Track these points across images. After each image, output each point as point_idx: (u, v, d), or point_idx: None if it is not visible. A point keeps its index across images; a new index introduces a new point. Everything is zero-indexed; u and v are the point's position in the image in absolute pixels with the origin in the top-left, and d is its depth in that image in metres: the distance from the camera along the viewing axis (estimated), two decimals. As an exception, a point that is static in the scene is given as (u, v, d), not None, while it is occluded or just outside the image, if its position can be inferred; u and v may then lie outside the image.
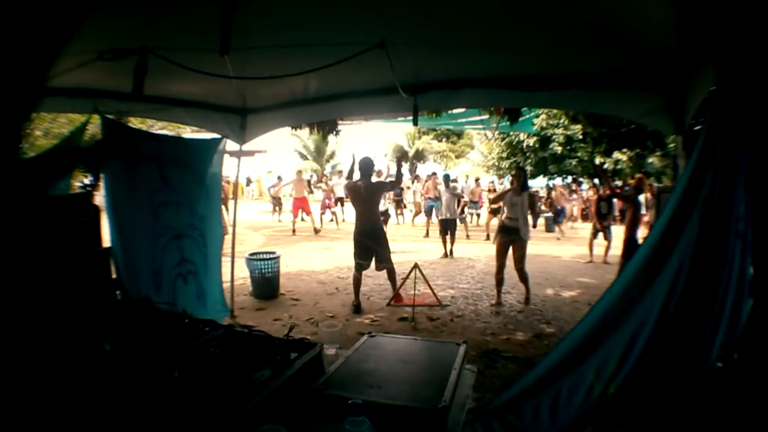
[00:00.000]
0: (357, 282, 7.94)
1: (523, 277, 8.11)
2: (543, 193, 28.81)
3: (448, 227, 13.17)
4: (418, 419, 1.88)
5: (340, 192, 20.93)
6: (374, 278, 9.74)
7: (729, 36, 2.58)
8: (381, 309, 7.80)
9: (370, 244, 7.74)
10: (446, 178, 14.28)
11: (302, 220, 19.05)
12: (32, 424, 1.67)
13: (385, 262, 7.90)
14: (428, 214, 18.16)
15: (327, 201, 20.91)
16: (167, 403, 1.82)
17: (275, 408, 1.89)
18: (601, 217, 12.16)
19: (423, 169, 37.36)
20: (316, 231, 17.37)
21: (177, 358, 2.10)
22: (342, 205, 21.85)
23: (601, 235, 12.28)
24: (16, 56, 1.70)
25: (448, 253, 13.11)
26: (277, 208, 22.74)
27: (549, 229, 19.97)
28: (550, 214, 21.45)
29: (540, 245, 14.60)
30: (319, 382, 2.09)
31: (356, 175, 8.27)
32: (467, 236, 16.76)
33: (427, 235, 17.16)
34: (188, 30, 3.55)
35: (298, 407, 1.99)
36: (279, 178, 24.31)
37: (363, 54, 3.64)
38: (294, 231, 17.21)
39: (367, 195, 7.66)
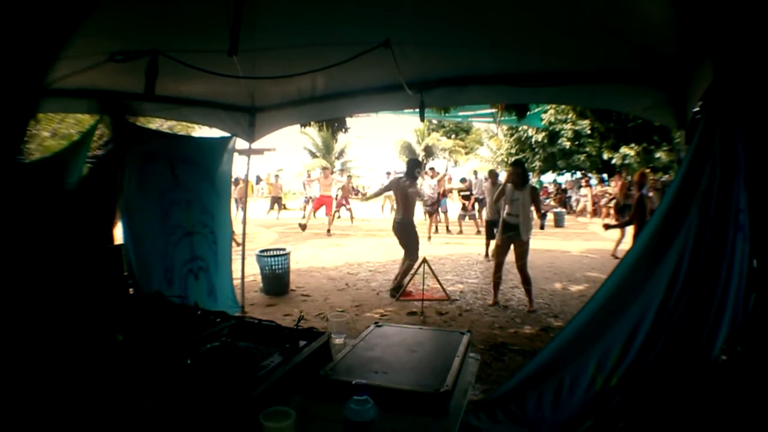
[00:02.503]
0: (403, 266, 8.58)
1: (525, 278, 7.63)
2: (552, 189, 28.82)
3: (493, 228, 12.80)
4: (420, 403, 1.96)
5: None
6: (383, 274, 9.85)
7: (726, 32, 2.62)
8: (390, 304, 7.86)
9: (397, 235, 8.39)
10: (493, 174, 13.30)
11: (314, 216, 18.97)
12: (50, 411, 1.75)
13: (406, 254, 8.35)
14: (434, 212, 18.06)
15: (343, 200, 20.84)
16: (181, 388, 1.91)
17: (284, 392, 1.97)
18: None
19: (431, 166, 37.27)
20: (329, 231, 17.13)
21: (189, 347, 2.19)
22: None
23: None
24: (15, 58, 1.77)
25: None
26: (276, 206, 22.81)
27: (558, 224, 19.93)
28: (559, 210, 21.42)
29: (549, 240, 14.64)
30: (326, 369, 2.18)
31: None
32: (477, 231, 16.79)
33: (436, 231, 17.14)
34: (197, 31, 3.62)
35: (307, 392, 2.08)
36: (276, 176, 24.42)
37: (369, 53, 3.71)
38: (305, 226, 16.95)
39: (403, 192, 8.28)
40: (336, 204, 20.36)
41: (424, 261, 7.98)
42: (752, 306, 2.66)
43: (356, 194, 24.11)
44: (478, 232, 16.73)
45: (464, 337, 2.68)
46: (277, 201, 23.00)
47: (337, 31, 3.80)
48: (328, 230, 16.90)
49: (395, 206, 8.69)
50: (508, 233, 7.55)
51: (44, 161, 5.77)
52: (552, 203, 24.74)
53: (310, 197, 21.15)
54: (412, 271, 8.23)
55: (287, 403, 1.80)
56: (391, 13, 3.44)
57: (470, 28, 3.70)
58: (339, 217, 20.48)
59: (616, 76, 4.32)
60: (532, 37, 3.85)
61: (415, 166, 8.62)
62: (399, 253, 8.54)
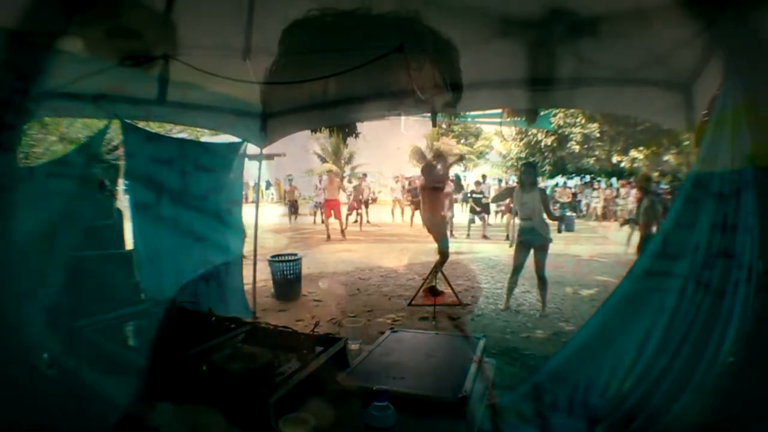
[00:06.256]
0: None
1: (542, 281, 7.54)
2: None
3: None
4: (439, 409, 1.96)
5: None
6: (395, 279, 9.84)
7: (735, 29, 2.61)
8: (402, 309, 7.84)
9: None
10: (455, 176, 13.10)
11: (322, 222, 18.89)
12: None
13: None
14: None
15: (354, 203, 20.81)
16: (198, 395, 1.90)
17: (303, 398, 1.96)
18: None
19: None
20: (343, 233, 17.05)
21: (205, 354, 2.18)
22: (366, 207, 21.90)
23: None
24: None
25: None
26: (293, 211, 22.64)
27: (568, 228, 19.76)
28: (569, 213, 21.31)
29: (559, 244, 14.56)
30: (344, 374, 2.17)
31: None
32: (483, 236, 16.73)
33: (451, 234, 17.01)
34: (209, 36, 3.63)
35: (325, 398, 2.07)
36: (290, 181, 24.40)
37: (382, 58, 3.70)
38: (329, 236, 16.65)
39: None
40: (348, 208, 20.35)
41: (436, 266, 7.95)
42: (759, 307, 2.64)
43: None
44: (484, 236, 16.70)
45: (480, 342, 2.67)
46: (295, 206, 22.83)
47: (350, 36, 3.80)
48: (343, 232, 16.82)
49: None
50: (524, 236, 7.47)
51: (51, 164, 5.78)
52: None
53: (320, 203, 21.03)
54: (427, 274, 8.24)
55: (306, 409, 1.79)
56: (406, 19, 3.43)
57: (482, 33, 3.70)
58: (356, 221, 20.36)
59: (628, 80, 4.30)
60: (545, 43, 3.85)
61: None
62: (410, 258, 8.52)
